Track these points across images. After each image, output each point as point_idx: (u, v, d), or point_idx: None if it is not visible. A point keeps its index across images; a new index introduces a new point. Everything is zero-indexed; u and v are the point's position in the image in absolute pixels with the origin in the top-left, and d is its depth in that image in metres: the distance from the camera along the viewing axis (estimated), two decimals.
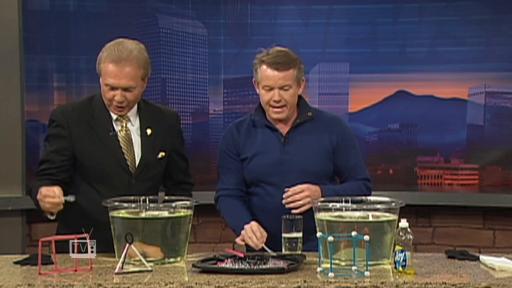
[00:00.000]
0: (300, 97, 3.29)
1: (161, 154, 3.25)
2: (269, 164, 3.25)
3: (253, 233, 3.11)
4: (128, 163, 3.18)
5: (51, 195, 2.93)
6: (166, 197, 3.12)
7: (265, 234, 3.12)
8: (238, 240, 3.17)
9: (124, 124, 3.21)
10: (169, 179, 3.34)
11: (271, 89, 3.20)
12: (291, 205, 3.12)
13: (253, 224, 3.14)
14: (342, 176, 3.32)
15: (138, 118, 3.23)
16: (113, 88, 3.11)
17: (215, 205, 3.36)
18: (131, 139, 3.21)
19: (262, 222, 3.29)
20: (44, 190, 2.96)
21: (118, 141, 3.19)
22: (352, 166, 3.29)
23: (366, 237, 2.67)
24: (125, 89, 3.11)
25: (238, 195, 3.32)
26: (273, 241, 3.16)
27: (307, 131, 3.26)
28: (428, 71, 5.48)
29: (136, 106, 3.23)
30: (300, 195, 3.13)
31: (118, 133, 3.19)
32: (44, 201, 2.95)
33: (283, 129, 3.27)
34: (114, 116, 3.20)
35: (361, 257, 2.70)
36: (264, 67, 3.20)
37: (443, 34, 5.46)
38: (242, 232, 3.14)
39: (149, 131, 3.22)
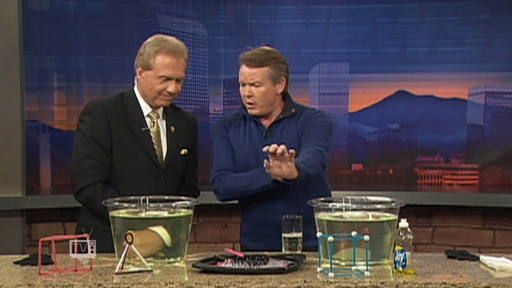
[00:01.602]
0: (286, 94, 3.38)
1: (184, 151, 3.33)
2: (250, 156, 3.31)
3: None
4: (158, 158, 3.26)
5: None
6: (166, 197, 3.12)
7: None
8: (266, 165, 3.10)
9: (156, 121, 3.29)
10: (182, 179, 3.39)
11: (244, 84, 3.31)
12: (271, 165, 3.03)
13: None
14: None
15: (164, 116, 3.33)
16: (167, 80, 3.20)
17: (213, 188, 3.34)
18: (160, 135, 3.30)
19: (246, 213, 3.38)
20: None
21: (150, 136, 3.27)
22: (308, 139, 3.24)
23: (366, 237, 2.67)
24: (177, 80, 3.22)
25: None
26: (256, 233, 3.30)
27: (288, 126, 3.34)
28: (428, 71, 5.48)
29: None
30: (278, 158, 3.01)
31: (150, 128, 3.27)
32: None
33: (267, 123, 3.36)
34: (145, 112, 3.28)
35: (361, 257, 2.70)
36: (242, 64, 3.33)
37: (443, 34, 5.47)
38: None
39: (173, 129, 3.32)
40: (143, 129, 3.26)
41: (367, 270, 2.65)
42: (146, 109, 3.29)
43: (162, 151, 3.28)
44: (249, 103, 3.31)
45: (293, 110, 3.35)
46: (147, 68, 3.22)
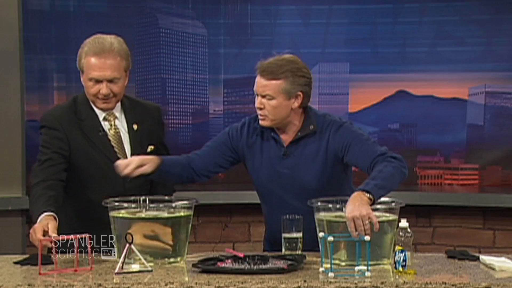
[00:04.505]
0: (307, 108, 3.18)
1: (150, 147, 3.26)
2: (270, 177, 3.18)
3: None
4: None
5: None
6: (166, 197, 3.12)
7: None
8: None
9: (113, 122, 3.22)
10: None
11: (258, 95, 3.14)
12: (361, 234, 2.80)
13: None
14: (364, 168, 3.10)
15: (123, 115, 3.25)
16: (97, 82, 3.12)
17: None
18: (121, 136, 3.22)
19: (272, 230, 3.25)
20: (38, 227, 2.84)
21: (109, 140, 3.19)
22: (363, 155, 3.06)
23: (367, 237, 2.67)
24: (110, 81, 3.13)
25: (193, 169, 3.22)
26: (276, 248, 3.13)
27: (307, 145, 3.16)
28: (428, 71, 5.48)
29: (120, 103, 3.24)
30: (358, 224, 2.75)
31: (108, 132, 3.20)
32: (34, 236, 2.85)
33: (286, 141, 3.18)
34: (101, 116, 3.21)
35: (361, 257, 2.71)
36: (257, 73, 3.14)
37: (443, 34, 5.46)
38: None
39: (135, 127, 3.23)
40: (100, 134, 3.18)
41: (367, 270, 2.65)
42: (100, 112, 3.21)
43: (125, 153, 3.20)
44: (261, 115, 3.13)
45: (311, 127, 3.15)
46: (81, 71, 3.16)
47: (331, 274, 2.62)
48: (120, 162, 3.00)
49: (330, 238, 2.67)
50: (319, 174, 3.14)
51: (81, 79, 3.20)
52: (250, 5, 5.55)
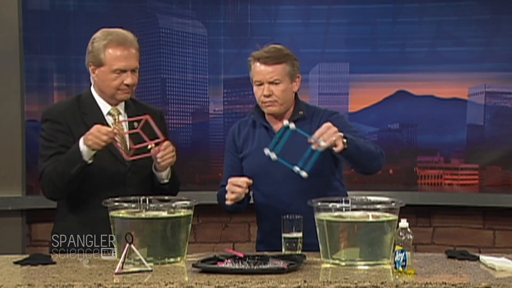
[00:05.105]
0: (296, 95, 3.28)
1: (151, 145, 3.22)
2: (260, 164, 3.23)
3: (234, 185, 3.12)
4: (124, 156, 3.18)
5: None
6: (166, 197, 3.11)
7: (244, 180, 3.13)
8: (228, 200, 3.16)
9: (117, 117, 3.23)
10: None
11: (262, 84, 3.20)
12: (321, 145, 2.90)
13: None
14: None
15: (125, 111, 3.26)
16: (121, 72, 3.14)
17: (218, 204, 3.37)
18: (124, 131, 3.22)
19: (262, 220, 3.34)
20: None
21: None
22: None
23: (292, 125, 2.86)
24: (132, 71, 3.17)
25: None
26: (269, 241, 3.20)
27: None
28: (428, 71, 5.48)
29: (123, 102, 3.26)
30: (328, 133, 2.89)
31: (112, 126, 3.20)
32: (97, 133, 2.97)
33: (277, 128, 3.24)
34: (105, 111, 3.22)
35: (360, 257, 2.72)
36: (257, 63, 3.22)
37: (443, 34, 5.47)
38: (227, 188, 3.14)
39: (136, 124, 3.21)
40: None
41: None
42: (105, 107, 3.23)
43: (127, 148, 3.19)
44: (269, 102, 3.19)
45: (301, 113, 3.25)
46: (99, 65, 3.17)
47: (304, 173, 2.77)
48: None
49: (292, 126, 2.85)
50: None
51: (93, 75, 3.21)
52: (250, 5, 5.56)
